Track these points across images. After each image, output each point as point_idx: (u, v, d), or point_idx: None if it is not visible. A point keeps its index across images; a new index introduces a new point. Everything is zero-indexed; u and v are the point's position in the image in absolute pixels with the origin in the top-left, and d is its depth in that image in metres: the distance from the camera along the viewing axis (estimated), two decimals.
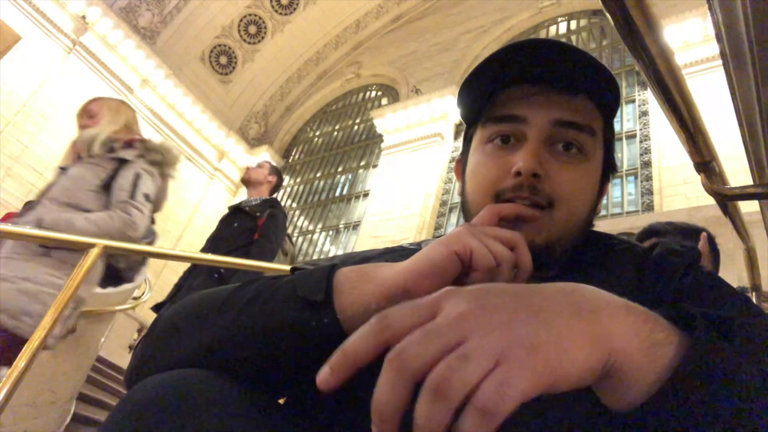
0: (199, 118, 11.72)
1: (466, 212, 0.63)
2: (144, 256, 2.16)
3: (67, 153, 2.19)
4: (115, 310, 3.16)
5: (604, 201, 0.67)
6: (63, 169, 2.10)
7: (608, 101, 0.62)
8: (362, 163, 10.68)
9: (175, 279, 3.02)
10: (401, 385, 0.29)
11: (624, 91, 7.76)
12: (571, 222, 0.58)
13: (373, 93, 12.12)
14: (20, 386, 1.56)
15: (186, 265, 2.96)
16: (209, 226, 3.17)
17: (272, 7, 12.20)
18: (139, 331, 7.11)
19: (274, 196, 3.26)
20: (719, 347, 0.35)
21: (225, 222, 3.05)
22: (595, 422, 0.39)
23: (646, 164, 6.79)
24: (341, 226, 9.86)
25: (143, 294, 4.04)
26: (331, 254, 9.24)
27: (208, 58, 12.37)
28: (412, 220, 8.19)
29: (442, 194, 8.72)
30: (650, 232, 1.66)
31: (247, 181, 3.24)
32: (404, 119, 9.73)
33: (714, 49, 5.61)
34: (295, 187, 11.69)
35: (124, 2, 10.91)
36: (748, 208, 1.62)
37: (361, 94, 12.39)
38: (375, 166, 10.13)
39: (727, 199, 1.27)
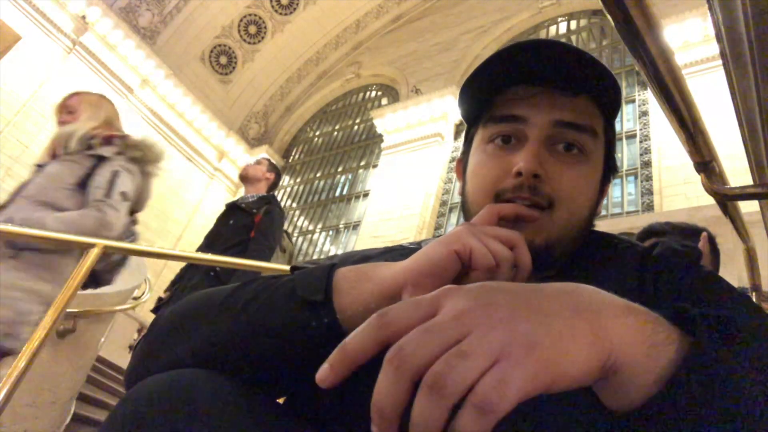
0: (199, 118, 11.72)
1: (467, 212, 0.63)
2: (124, 258, 2.07)
3: (46, 150, 2.11)
4: (115, 310, 3.17)
5: (604, 201, 0.67)
6: (40, 167, 2.02)
7: (610, 102, 0.62)
8: (362, 163, 10.68)
9: None
10: (400, 382, 0.29)
11: (624, 91, 7.75)
12: (571, 223, 0.58)
13: (373, 93, 12.13)
14: (20, 386, 1.56)
15: None
16: (209, 226, 3.16)
17: (272, 7, 12.20)
18: (139, 331, 7.11)
19: (273, 193, 3.25)
20: (720, 348, 0.35)
21: (221, 219, 3.03)
22: (595, 422, 0.39)
23: (646, 164, 6.79)
24: (341, 226, 9.86)
25: (143, 294, 4.04)
26: (331, 254, 9.23)
27: (208, 58, 12.37)
28: (412, 220, 8.19)
29: (442, 194, 8.72)
30: (649, 232, 1.66)
31: (244, 178, 3.21)
32: (404, 119, 9.73)
33: (714, 49, 5.61)
34: (295, 187, 11.69)
35: (124, 2, 10.91)
36: (748, 208, 1.63)
37: (361, 94, 12.39)
38: (375, 166, 10.13)
39: (727, 199, 1.27)
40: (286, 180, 12.06)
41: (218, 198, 11.85)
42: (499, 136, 0.61)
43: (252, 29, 12.38)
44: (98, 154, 1.98)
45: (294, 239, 10.25)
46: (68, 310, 2.02)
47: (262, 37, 12.52)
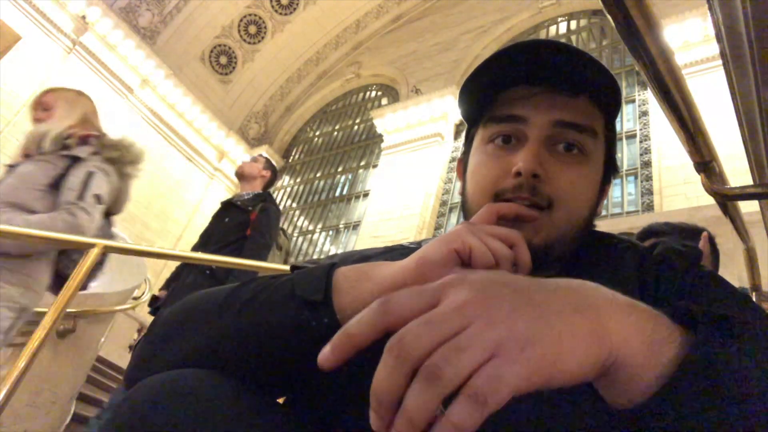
0: (199, 118, 11.71)
1: (466, 211, 0.63)
2: (101, 261, 1.98)
3: (19, 149, 2.02)
4: (114, 310, 3.17)
5: (604, 201, 0.67)
6: (12, 167, 1.94)
7: (610, 102, 0.62)
8: (362, 163, 10.68)
9: None
10: (399, 371, 0.30)
11: (624, 91, 7.75)
12: (570, 223, 0.58)
13: (373, 93, 12.12)
14: (20, 386, 1.56)
15: None
16: None
17: (272, 7, 12.19)
18: (139, 331, 7.11)
19: (269, 191, 3.23)
20: (721, 345, 0.35)
21: (217, 217, 3.01)
22: (597, 419, 0.39)
23: (646, 164, 6.79)
24: (341, 226, 9.86)
25: (143, 294, 4.04)
26: (331, 254, 9.22)
27: (208, 58, 12.37)
28: (412, 220, 8.19)
29: (442, 194, 8.72)
30: (649, 232, 1.66)
31: (240, 175, 3.20)
32: (404, 119, 9.73)
33: (714, 49, 5.61)
34: (295, 187, 11.68)
35: (124, 2, 10.90)
36: (748, 208, 1.63)
37: (361, 94, 12.39)
38: (375, 166, 10.13)
39: (727, 199, 1.27)
40: (286, 180, 12.06)
41: (218, 198, 11.81)
42: (499, 136, 0.61)
43: (252, 29, 12.38)
44: (73, 154, 1.91)
45: (294, 239, 10.27)
46: (68, 310, 2.01)
47: (262, 37, 12.52)
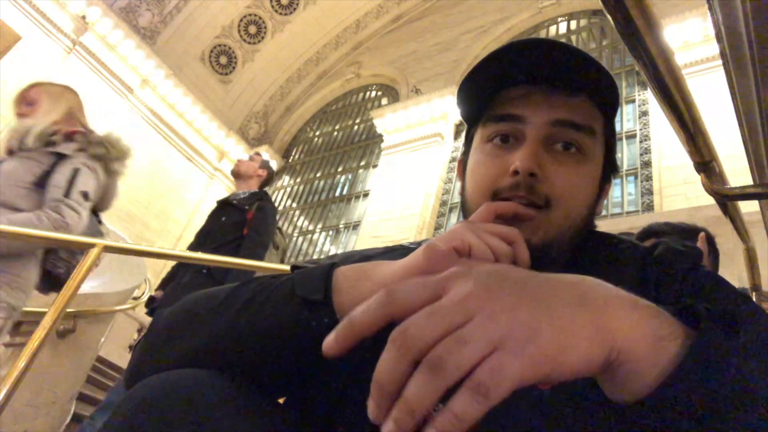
0: (199, 118, 11.72)
1: (465, 211, 0.63)
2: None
3: (1, 145, 1.96)
4: (114, 310, 3.17)
5: (604, 201, 0.67)
6: None
7: (608, 101, 0.62)
8: (362, 163, 10.68)
9: None
10: (402, 361, 0.30)
11: (624, 91, 7.75)
12: (568, 222, 0.58)
13: (373, 93, 12.12)
14: (20, 386, 1.56)
15: None
16: None
17: (272, 7, 12.20)
18: (139, 331, 7.11)
19: (265, 189, 3.20)
20: (724, 343, 0.35)
21: (213, 216, 2.99)
22: (599, 414, 0.39)
23: (646, 164, 6.79)
24: (341, 226, 9.86)
25: (143, 294, 4.05)
26: (331, 254, 9.23)
27: (208, 58, 12.37)
28: (412, 220, 8.19)
29: (442, 194, 8.72)
30: (649, 232, 1.66)
31: (236, 174, 3.18)
32: (404, 119, 9.73)
33: (714, 49, 5.61)
34: (295, 187, 11.69)
35: (124, 2, 10.91)
36: (748, 208, 1.63)
37: (361, 94, 12.39)
38: (375, 166, 10.13)
39: (727, 199, 1.27)
40: (286, 180, 12.06)
41: (218, 198, 11.84)
42: (498, 136, 0.61)
43: (252, 29, 12.38)
44: (58, 151, 1.87)
45: (294, 239, 10.28)
46: (68, 310, 2.01)
47: (262, 37, 12.52)
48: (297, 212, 11.02)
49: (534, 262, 0.50)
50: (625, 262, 0.60)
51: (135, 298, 3.84)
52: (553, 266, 0.59)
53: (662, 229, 1.64)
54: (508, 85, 0.61)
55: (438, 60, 10.82)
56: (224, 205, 3.01)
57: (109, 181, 2.01)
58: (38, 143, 1.86)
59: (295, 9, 12.30)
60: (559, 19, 9.85)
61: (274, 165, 11.90)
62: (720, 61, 1.13)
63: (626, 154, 7.08)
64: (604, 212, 6.39)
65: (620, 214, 6.56)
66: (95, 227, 2.03)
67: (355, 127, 11.67)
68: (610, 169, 0.65)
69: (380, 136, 10.19)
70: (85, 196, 1.85)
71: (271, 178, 3.26)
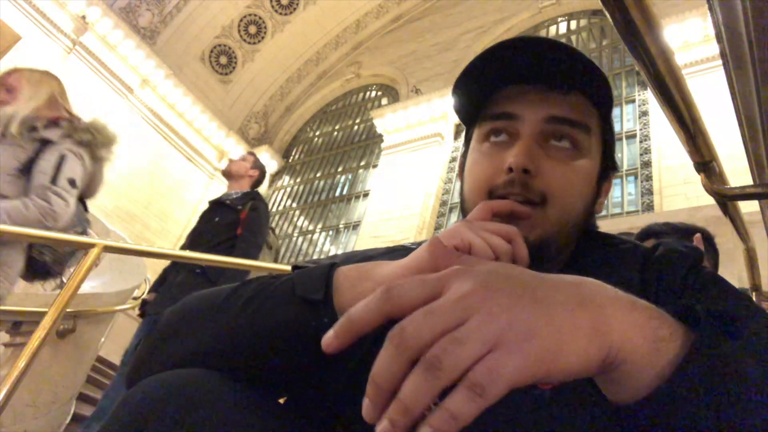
0: (199, 118, 11.71)
1: (464, 210, 0.64)
2: (76, 249, 1.91)
3: None
4: (115, 310, 3.17)
5: (605, 200, 0.67)
6: None
7: (602, 98, 0.62)
8: (362, 163, 10.68)
9: None
10: (399, 360, 0.30)
11: (624, 91, 7.76)
12: (564, 218, 0.58)
13: (373, 93, 12.12)
14: (20, 386, 1.56)
15: None
16: None
17: (272, 7, 12.19)
18: None
19: (257, 189, 3.18)
20: (723, 343, 0.35)
21: (205, 217, 2.98)
22: (599, 414, 0.39)
23: (646, 164, 6.79)
24: (341, 226, 9.86)
25: (143, 294, 4.04)
26: (331, 254, 9.22)
27: (208, 58, 12.37)
28: (412, 220, 8.19)
29: (442, 194, 8.72)
30: (649, 233, 1.65)
31: (228, 174, 3.17)
32: (404, 119, 9.73)
33: (714, 49, 5.61)
34: (295, 187, 11.68)
35: (124, 2, 10.90)
36: (748, 208, 1.63)
37: (361, 94, 12.38)
38: (375, 166, 10.13)
39: (727, 199, 1.27)
40: (286, 180, 12.06)
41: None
42: (493, 134, 0.61)
43: (252, 29, 12.38)
44: (43, 137, 1.83)
45: (294, 239, 10.28)
46: (68, 310, 2.00)
47: (262, 37, 12.52)
48: (297, 212, 11.02)
49: (532, 259, 0.50)
50: (626, 263, 0.60)
51: (135, 298, 3.84)
52: (552, 264, 0.59)
53: (662, 230, 1.63)
54: (503, 84, 0.61)
55: (438, 60, 10.82)
56: (217, 206, 3.00)
57: (95, 168, 1.98)
58: (22, 130, 1.83)
59: (295, 9, 12.30)
60: (559, 19, 9.84)
61: (274, 165, 11.95)
62: (720, 61, 1.13)
63: (626, 154, 7.07)
64: (604, 212, 6.39)
65: (620, 214, 6.56)
66: (82, 215, 2.01)
67: (355, 127, 11.66)
68: (608, 166, 0.65)
69: (380, 136, 10.19)
70: (72, 183, 1.82)
71: (262, 177, 3.24)
